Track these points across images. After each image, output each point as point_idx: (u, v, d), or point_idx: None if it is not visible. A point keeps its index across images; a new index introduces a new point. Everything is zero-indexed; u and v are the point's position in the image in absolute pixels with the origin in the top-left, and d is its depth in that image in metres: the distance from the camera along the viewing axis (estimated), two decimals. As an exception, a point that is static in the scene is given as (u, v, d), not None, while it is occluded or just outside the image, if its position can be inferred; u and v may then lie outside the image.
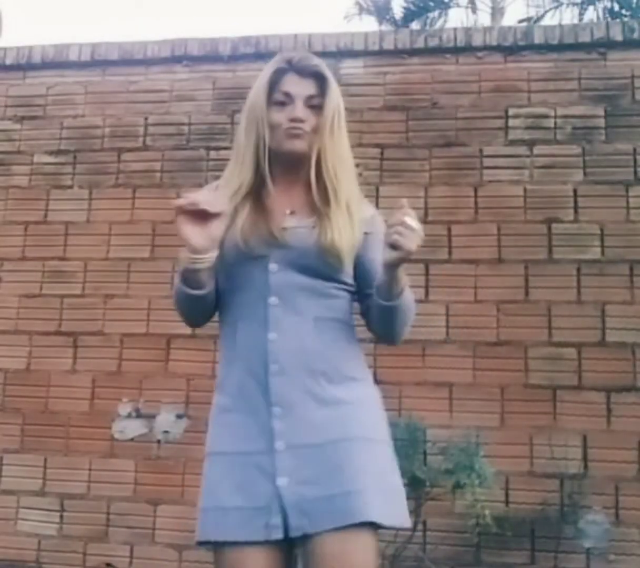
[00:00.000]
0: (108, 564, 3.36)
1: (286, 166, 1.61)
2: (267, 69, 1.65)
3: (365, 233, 1.60)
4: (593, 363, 3.19)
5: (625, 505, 3.09)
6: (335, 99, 1.61)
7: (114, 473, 3.40)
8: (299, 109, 1.58)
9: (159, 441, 3.41)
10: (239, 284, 1.56)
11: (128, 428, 3.44)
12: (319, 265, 1.55)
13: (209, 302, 1.59)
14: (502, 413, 3.21)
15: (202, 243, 1.45)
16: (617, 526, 3.08)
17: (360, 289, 1.62)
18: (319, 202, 1.58)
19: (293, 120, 1.57)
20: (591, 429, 3.15)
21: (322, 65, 1.65)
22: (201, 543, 1.51)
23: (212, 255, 1.48)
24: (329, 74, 1.63)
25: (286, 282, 1.54)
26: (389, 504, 1.46)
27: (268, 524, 1.42)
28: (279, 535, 1.41)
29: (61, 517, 3.43)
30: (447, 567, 3.11)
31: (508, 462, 3.10)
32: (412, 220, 1.41)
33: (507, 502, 3.13)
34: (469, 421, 3.14)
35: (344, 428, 1.49)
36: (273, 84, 1.61)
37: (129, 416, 3.44)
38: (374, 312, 1.57)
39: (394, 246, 1.40)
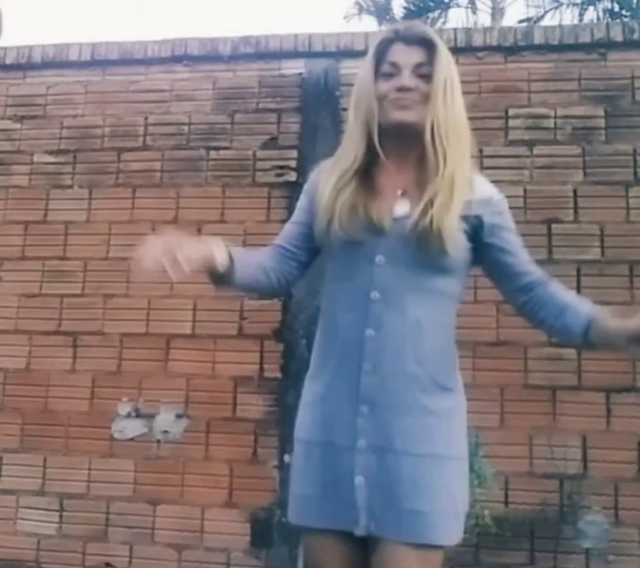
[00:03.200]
0: (107, 564, 3.36)
1: (397, 140, 1.53)
2: (375, 40, 1.61)
3: (477, 216, 1.50)
4: (593, 364, 3.19)
5: (625, 505, 3.09)
6: (445, 65, 1.53)
7: (113, 473, 3.40)
8: (406, 78, 1.51)
9: (158, 441, 3.41)
10: (342, 272, 1.51)
11: (128, 428, 3.43)
12: (425, 256, 1.46)
13: (262, 278, 1.57)
14: (502, 414, 3.21)
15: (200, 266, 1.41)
16: (616, 526, 3.08)
17: (507, 286, 1.58)
18: (431, 182, 1.49)
19: (400, 89, 1.51)
20: (591, 430, 3.15)
21: (430, 31, 1.58)
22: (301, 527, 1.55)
23: (220, 263, 1.44)
24: (437, 39, 1.55)
25: (392, 276, 1.47)
26: (453, 525, 1.49)
27: (347, 517, 1.45)
28: (354, 529, 1.45)
29: (60, 516, 3.43)
30: (446, 567, 3.11)
31: (507, 462, 3.10)
32: None
33: (506, 503, 3.13)
34: (469, 421, 3.13)
35: (425, 441, 1.46)
36: (380, 56, 1.56)
37: (128, 416, 3.44)
38: (560, 311, 1.50)
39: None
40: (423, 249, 1.46)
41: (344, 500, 1.45)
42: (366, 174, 1.53)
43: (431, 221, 1.44)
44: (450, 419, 1.51)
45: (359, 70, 1.61)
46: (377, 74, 1.55)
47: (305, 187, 1.67)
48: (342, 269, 1.51)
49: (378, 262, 1.47)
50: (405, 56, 1.54)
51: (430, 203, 1.46)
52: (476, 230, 1.52)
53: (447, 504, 1.46)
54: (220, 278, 1.49)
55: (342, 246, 1.49)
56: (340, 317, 1.50)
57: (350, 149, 1.55)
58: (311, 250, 1.61)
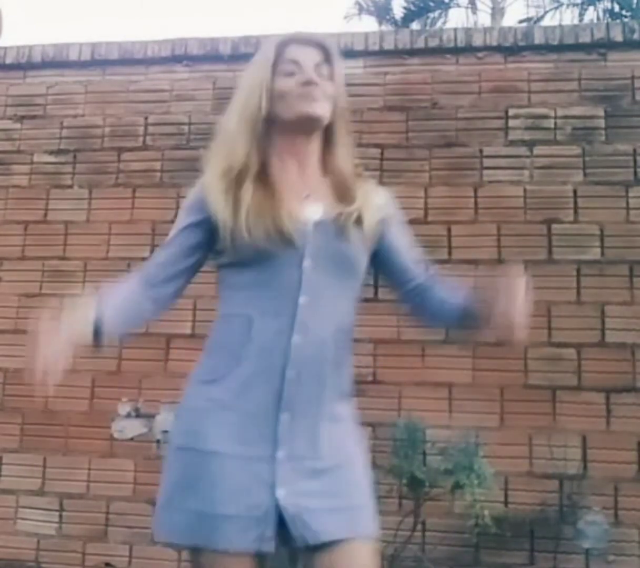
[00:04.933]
0: (107, 564, 3.36)
1: (294, 138, 1.50)
2: (268, 44, 1.54)
3: (382, 219, 1.52)
4: (593, 364, 3.19)
5: (625, 505, 3.09)
6: (342, 67, 1.52)
7: (113, 472, 3.40)
8: (311, 73, 1.48)
9: (158, 441, 3.41)
10: (263, 278, 1.44)
11: (127, 428, 3.44)
12: (348, 259, 1.46)
13: (142, 313, 1.51)
14: (502, 414, 3.21)
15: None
16: (616, 527, 3.08)
17: (397, 277, 1.57)
18: (340, 183, 1.49)
19: (306, 83, 1.47)
20: (590, 430, 3.15)
21: (322, 36, 1.56)
22: (172, 545, 1.45)
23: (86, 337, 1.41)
24: (332, 44, 1.54)
25: (319, 281, 1.43)
26: (373, 518, 1.48)
27: (262, 536, 1.36)
28: (271, 547, 1.37)
29: (60, 516, 3.43)
30: (446, 567, 3.11)
31: (507, 462, 3.10)
32: (523, 306, 1.39)
33: (506, 503, 3.13)
34: (469, 421, 3.14)
35: (344, 444, 1.47)
36: (278, 55, 1.50)
37: (128, 416, 3.44)
38: (438, 309, 1.54)
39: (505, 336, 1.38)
40: (350, 250, 1.46)
41: (263, 517, 1.36)
42: (258, 177, 1.47)
43: (360, 221, 1.46)
44: (354, 423, 1.53)
45: (246, 71, 1.55)
46: (275, 72, 1.49)
47: (189, 205, 1.55)
48: (261, 276, 1.44)
49: (306, 266, 1.43)
50: (305, 55, 1.50)
51: (353, 203, 1.47)
52: (382, 229, 1.54)
53: (367, 499, 1.47)
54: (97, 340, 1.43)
55: (256, 254, 1.42)
56: (259, 322, 1.42)
57: (236, 150, 1.48)
58: (197, 261, 1.53)
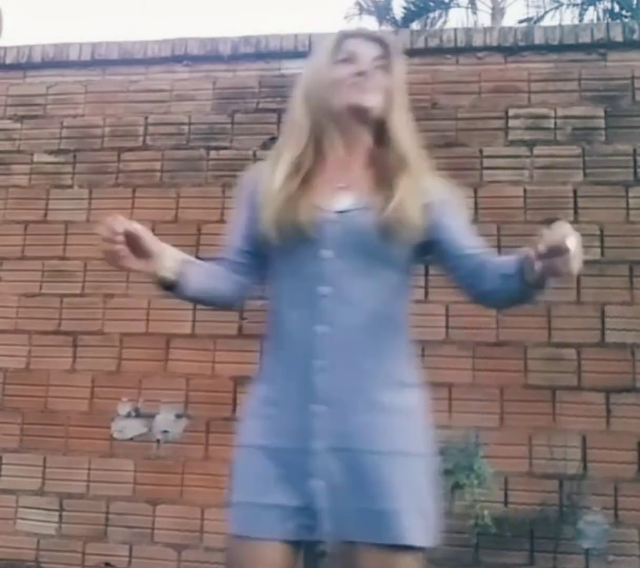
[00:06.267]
0: (107, 564, 3.36)
1: (346, 129, 1.50)
2: (327, 39, 1.55)
3: (428, 203, 1.48)
4: (592, 364, 3.19)
5: (625, 505, 3.09)
6: (401, 64, 1.55)
7: (113, 472, 3.40)
8: (367, 64, 1.50)
9: (158, 441, 3.41)
10: (287, 269, 1.46)
11: (127, 428, 3.43)
12: (383, 247, 1.43)
13: (215, 289, 1.52)
14: (502, 414, 3.21)
15: (150, 267, 1.45)
16: (616, 527, 3.08)
17: (449, 256, 1.50)
18: (386, 172, 1.47)
19: (360, 73, 1.48)
20: (590, 430, 3.15)
21: (385, 34, 1.60)
22: (238, 537, 1.42)
23: (168, 267, 1.43)
24: (393, 41, 1.57)
25: (342, 269, 1.42)
26: (422, 525, 1.39)
27: (301, 524, 1.37)
28: (310, 536, 1.38)
29: (60, 516, 3.43)
30: (446, 567, 3.11)
31: (507, 462, 3.10)
32: (573, 243, 1.30)
33: (506, 503, 3.13)
34: (468, 421, 3.14)
35: (388, 439, 1.40)
36: (338, 45, 1.52)
37: (128, 416, 3.44)
38: (497, 280, 1.41)
39: (554, 273, 1.29)
40: (387, 241, 1.43)
41: (301, 507, 1.37)
42: (306, 167, 1.48)
43: (405, 213, 1.43)
44: (410, 415, 1.45)
45: (308, 62, 1.57)
46: (333, 60, 1.51)
47: (242, 189, 1.62)
48: (288, 266, 1.46)
49: (326, 256, 1.42)
50: (364, 47, 1.53)
51: (397, 193, 1.44)
52: (431, 218, 1.49)
53: (415, 501, 1.39)
54: (169, 280, 1.46)
55: (285, 242, 1.44)
56: (287, 315, 1.45)
57: (296, 142, 1.50)
58: (260, 255, 1.53)
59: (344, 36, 1.54)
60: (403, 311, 1.51)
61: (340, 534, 1.37)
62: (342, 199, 1.46)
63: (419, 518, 1.38)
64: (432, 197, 1.49)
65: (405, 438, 1.42)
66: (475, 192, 3.41)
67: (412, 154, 1.52)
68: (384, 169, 1.49)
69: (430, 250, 1.51)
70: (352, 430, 1.39)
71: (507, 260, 1.42)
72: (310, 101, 1.51)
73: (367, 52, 1.52)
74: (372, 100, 1.48)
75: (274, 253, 1.48)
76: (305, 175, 1.47)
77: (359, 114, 1.49)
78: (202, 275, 1.50)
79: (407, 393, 1.46)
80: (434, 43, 3.57)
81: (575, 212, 3.33)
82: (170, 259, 1.45)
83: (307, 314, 1.42)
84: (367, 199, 1.46)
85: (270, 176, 1.49)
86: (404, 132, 1.52)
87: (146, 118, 3.72)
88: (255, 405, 1.50)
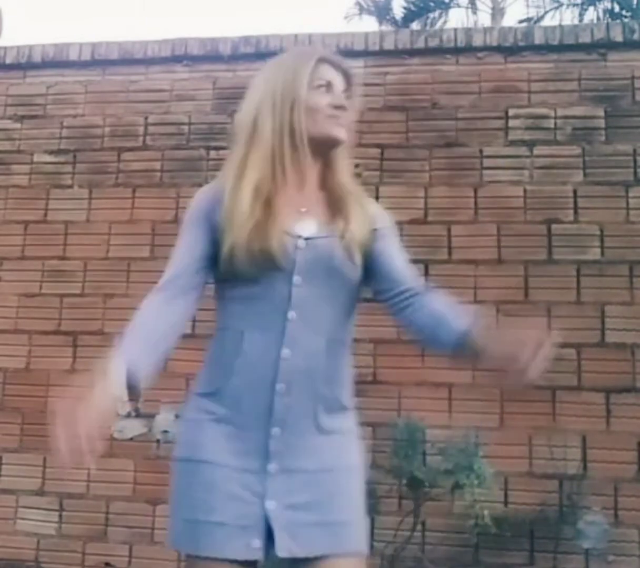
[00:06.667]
0: (107, 564, 3.36)
1: (308, 154, 1.51)
2: (303, 57, 1.57)
3: (374, 229, 1.53)
4: (592, 364, 3.19)
5: (624, 505, 3.09)
6: (358, 94, 1.60)
7: (113, 472, 3.40)
8: (342, 98, 1.53)
9: (158, 441, 3.41)
10: (254, 292, 1.46)
11: (127, 428, 3.43)
12: (347, 272, 1.48)
13: (172, 341, 1.50)
14: (502, 414, 3.21)
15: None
16: (616, 527, 3.08)
17: (387, 288, 1.53)
18: (336, 198, 1.52)
19: (338, 107, 1.51)
20: (590, 430, 3.15)
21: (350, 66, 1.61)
22: (195, 557, 1.42)
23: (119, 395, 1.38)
24: (356, 74, 1.60)
25: (308, 295, 1.45)
26: (364, 532, 1.48)
27: (249, 545, 1.38)
28: (257, 557, 1.39)
29: (60, 516, 3.43)
30: (446, 567, 3.11)
31: (507, 462, 3.10)
32: (547, 352, 1.29)
33: (506, 503, 3.13)
34: (468, 421, 3.14)
35: (336, 457, 1.47)
36: (315, 69, 1.52)
37: (128, 416, 3.44)
38: (434, 326, 1.46)
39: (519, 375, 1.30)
40: (349, 265, 1.47)
41: (251, 527, 1.39)
42: (269, 189, 1.48)
43: (354, 238, 1.47)
44: (352, 436, 1.52)
45: (274, 80, 1.53)
46: (310, 85, 1.51)
47: (196, 210, 1.60)
48: (252, 290, 1.46)
49: (296, 282, 1.44)
50: (337, 79, 1.55)
51: (348, 220, 1.48)
52: (377, 245, 1.54)
53: (356, 512, 1.46)
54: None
55: (254, 268, 1.43)
56: (249, 337, 1.45)
57: (260, 163, 1.48)
58: (207, 272, 1.53)
59: (320, 60, 1.54)
60: (351, 336, 1.55)
61: (295, 551, 1.39)
62: (306, 224, 1.49)
63: (362, 526, 1.47)
64: (378, 224, 1.55)
65: (346, 455, 1.49)
66: (475, 192, 3.41)
67: (352, 180, 1.58)
68: (333, 194, 1.54)
69: (371, 276, 1.55)
70: (302, 452, 1.43)
71: (455, 319, 1.45)
72: (279, 118, 1.50)
73: (339, 83, 1.55)
74: (345, 135, 1.53)
75: (232, 275, 1.47)
76: (266, 197, 1.46)
77: (331, 145, 1.53)
78: (150, 352, 1.43)
79: (348, 416, 1.52)
80: (434, 43, 3.57)
81: (575, 212, 3.33)
82: (117, 390, 1.39)
83: (272, 337, 1.44)
84: (327, 224, 1.49)
85: (233, 198, 1.47)
86: (345, 160, 1.58)
87: (146, 118, 3.73)
88: (204, 420, 1.47)
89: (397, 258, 1.56)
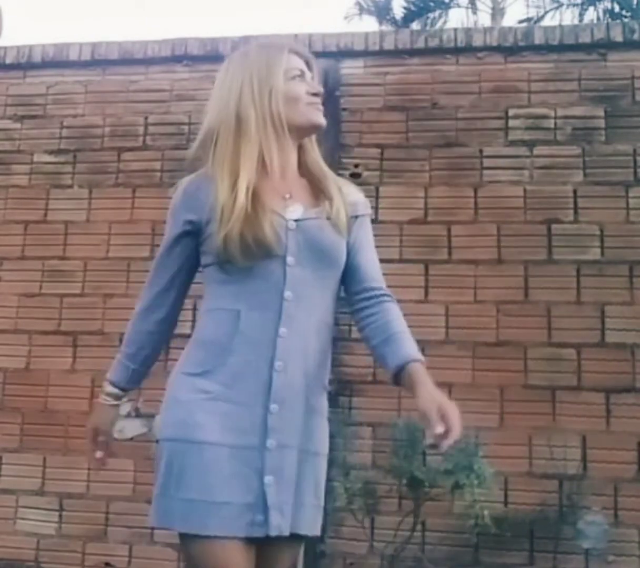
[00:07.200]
0: (107, 564, 3.36)
1: (287, 142, 1.57)
2: (273, 49, 1.60)
3: (355, 217, 1.60)
4: (592, 364, 3.19)
5: (624, 506, 3.09)
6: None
7: (113, 472, 3.39)
8: (317, 85, 1.60)
9: (158, 441, 3.40)
10: (249, 273, 1.49)
11: (127, 428, 3.43)
12: (336, 254, 1.54)
13: (165, 337, 1.72)
14: (502, 414, 3.21)
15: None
16: (616, 527, 3.08)
17: (348, 283, 1.59)
18: (315, 182, 1.59)
19: (316, 94, 1.58)
20: (590, 430, 3.15)
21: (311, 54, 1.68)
22: (197, 537, 1.42)
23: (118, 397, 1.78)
24: (316, 63, 1.66)
25: (300, 276, 1.50)
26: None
27: (253, 521, 1.41)
28: (262, 532, 1.41)
29: (60, 516, 3.43)
30: (446, 567, 3.11)
31: (507, 462, 3.10)
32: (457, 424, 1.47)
33: (506, 503, 3.13)
34: (468, 421, 3.10)
35: (321, 440, 1.55)
36: (288, 60, 1.58)
37: (128, 415, 3.44)
38: (375, 348, 1.55)
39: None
40: (329, 245, 1.53)
41: (254, 504, 1.42)
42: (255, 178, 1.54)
43: (339, 219, 1.54)
44: (324, 417, 1.58)
45: (249, 69, 1.56)
46: (287, 77, 1.56)
47: (179, 202, 1.65)
48: (247, 272, 1.49)
49: (289, 262, 1.49)
50: (305, 67, 1.61)
51: (332, 202, 1.55)
52: (352, 228, 1.60)
53: (321, 497, 1.55)
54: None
55: (247, 253, 1.47)
56: (246, 316, 1.48)
57: (250, 156, 1.53)
58: (196, 263, 1.62)
59: (291, 51, 1.60)
60: (333, 317, 1.60)
61: (283, 528, 1.43)
62: (293, 208, 1.54)
63: (321, 512, 1.56)
64: (359, 211, 1.62)
65: (324, 439, 1.56)
66: (475, 192, 3.41)
67: (324, 163, 1.65)
68: (313, 178, 1.60)
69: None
70: (296, 429, 1.48)
71: (401, 346, 1.51)
72: (261, 110, 1.54)
73: (307, 71, 1.61)
74: (324, 121, 1.60)
75: (225, 260, 1.50)
76: (254, 188, 1.51)
77: (313, 131, 1.61)
78: (148, 351, 1.75)
79: (325, 397, 1.58)
80: (434, 43, 3.57)
81: (575, 212, 3.33)
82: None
83: (269, 316, 1.48)
84: (313, 207, 1.55)
85: (227, 195, 1.50)
86: (315, 143, 1.64)
87: (146, 118, 3.73)
88: (197, 400, 1.48)
89: (367, 251, 1.61)
